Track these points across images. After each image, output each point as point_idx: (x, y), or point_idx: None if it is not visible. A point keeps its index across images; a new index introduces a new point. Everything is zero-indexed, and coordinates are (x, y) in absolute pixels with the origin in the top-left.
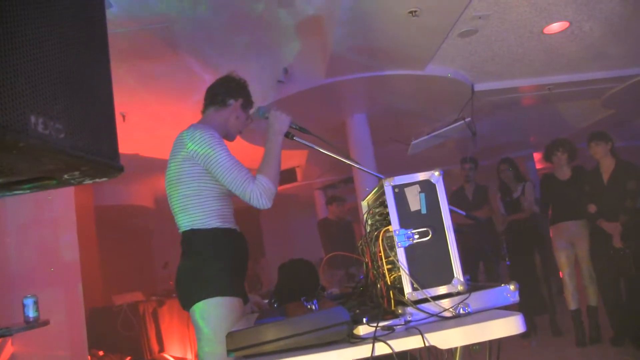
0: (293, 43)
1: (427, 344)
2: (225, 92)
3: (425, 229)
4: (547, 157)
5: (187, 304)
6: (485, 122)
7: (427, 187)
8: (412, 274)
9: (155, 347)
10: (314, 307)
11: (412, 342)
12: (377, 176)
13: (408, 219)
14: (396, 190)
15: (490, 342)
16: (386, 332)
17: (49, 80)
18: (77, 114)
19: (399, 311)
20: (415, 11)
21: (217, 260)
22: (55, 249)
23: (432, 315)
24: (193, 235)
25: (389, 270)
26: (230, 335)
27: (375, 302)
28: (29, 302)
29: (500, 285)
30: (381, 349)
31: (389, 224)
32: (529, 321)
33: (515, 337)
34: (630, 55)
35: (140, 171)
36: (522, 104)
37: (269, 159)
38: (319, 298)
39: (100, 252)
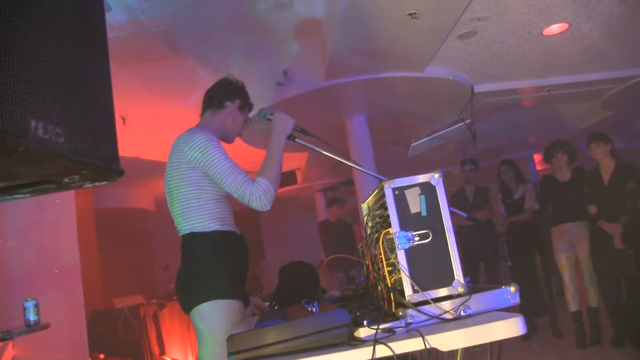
0: (292, 45)
1: (427, 346)
2: (222, 95)
3: (425, 231)
4: (546, 159)
5: (187, 306)
6: (485, 124)
7: (427, 189)
8: (412, 276)
9: (156, 350)
10: (314, 310)
11: (412, 345)
12: (377, 178)
13: (408, 221)
14: (396, 192)
15: (491, 343)
16: (387, 334)
17: (48, 84)
18: (76, 117)
19: (400, 313)
20: (414, 13)
21: (216, 262)
22: (56, 252)
23: (433, 317)
24: (193, 239)
25: (390, 272)
26: (230, 338)
27: (375, 305)
28: (30, 305)
29: (500, 287)
30: (382, 351)
31: (389, 226)
32: (529, 322)
33: (516, 338)
34: (629, 56)
35: (141, 174)
36: (522, 105)
37: (270, 161)
38: (320, 300)
39: (100, 255)
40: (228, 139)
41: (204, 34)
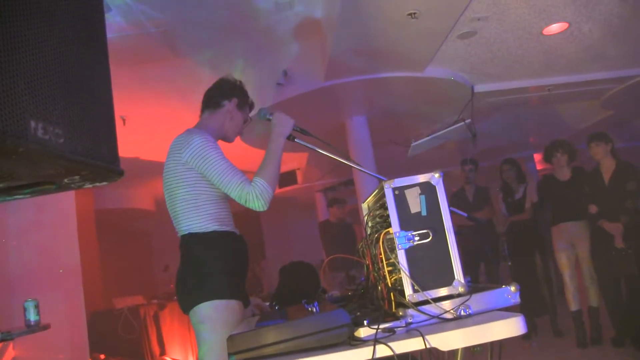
0: (292, 46)
1: (428, 346)
2: (219, 94)
3: (425, 230)
4: (546, 159)
5: (186, 307)
6: (485, 124)
7: (428, 189)
8: (412, 276)
9: (156, 350)
10: (314, 310)
11: (413, 344)
12: (377, 178)
13: (408, 221)
14: (396, 192)
15: (491, 343)
16: (387, 334)
17: (48, 85)
18: (76, 118)
19: (400, 313)
20: (414, 13)
21: (215, 263)
22: (56, 253)
23: (433, 317)
24: (191, 239)
25: (390, 272)
26: (231, 338)
27: (376, 304)
28: (30, 305)
29: (501, 287)
30: (382, 351)
31: (390, 226)
32: (529, 322)
33: (516, 338)
34: (629, 56)
35: (141, 174)
36: (522, 105)
37: (269, 161)
38: (320, 300)
39: (101, 255)
40: (227, 139)
41: (204, 35)
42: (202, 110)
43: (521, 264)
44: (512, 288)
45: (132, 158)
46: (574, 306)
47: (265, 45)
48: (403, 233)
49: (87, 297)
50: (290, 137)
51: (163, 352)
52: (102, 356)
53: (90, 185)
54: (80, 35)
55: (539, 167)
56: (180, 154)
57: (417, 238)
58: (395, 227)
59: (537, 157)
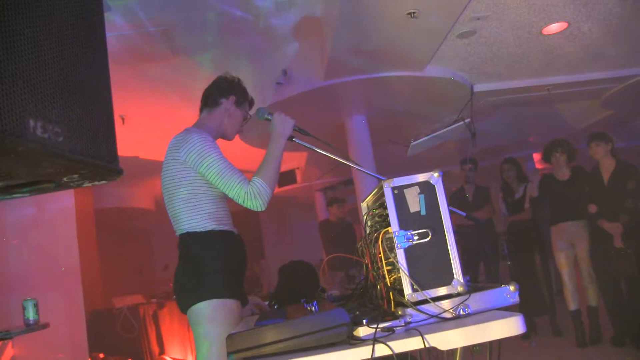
0: (292, 45)
1: (427, 345)
2: (217, 93)
3: (424, 230)
4: (545, 158)
5: (184, 306)
6: (485, 123)
7: (427, 188)
8: (412, 275)
9: (155, 349)
10: (314, 309)
11: (412, 344)
12: (377, 177)
13: (408, 220)
14: (396, 191)
15: (491, 343)
16: (386, 333)
17: (47, 83)
18: (75, 116)
19: (399, 312)
20: (413, 13)
21: (213, 262)
22: (55, 252)
23: (432, 316)
24: (189, 238)
25: (389, 271)
26: (230, 338)
27: (375, 304)
28: (29, 304)
29: (500, 286)
30: (381, 350)
31: (389, 225)
32: (529, 322)
33: (515, 338)
34: (629, 55)
35: (140, 173)
36: (522, 104)
37: (268, 161)
38: (319, 300)
39: (100, 254)
40: (227, 137)
41: (203, 34)
42: (201, 110)
43: (520, 263)
44: (512, 287)
45: (131, 157)
46: (573, 306)
47: (264, 45)
48: (402, 232)
49: (86, 296)
50: (289, 137)
51: (162, 352)
52: (101, 355)
53: (89, 184)
54: (79, 34)
55: (538, 166)
56: (179, 153)
57: (416, 237)
58: (394, 227)
59: (537, 156)
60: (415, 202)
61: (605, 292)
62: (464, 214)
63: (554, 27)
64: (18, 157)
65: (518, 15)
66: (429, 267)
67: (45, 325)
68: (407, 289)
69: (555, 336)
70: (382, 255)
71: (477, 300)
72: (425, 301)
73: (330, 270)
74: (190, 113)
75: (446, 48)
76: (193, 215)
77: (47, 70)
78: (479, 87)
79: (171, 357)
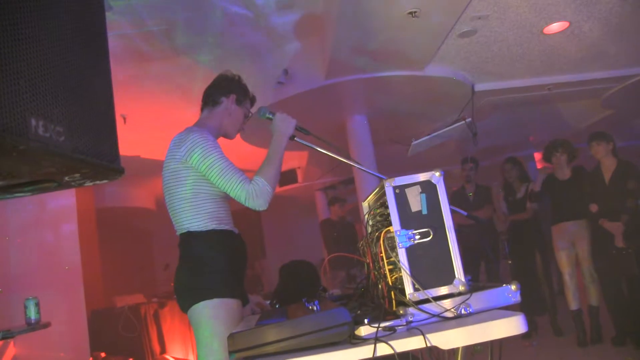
0: (293, 44)
1: (428, 345)
2: (217, 92)
3: (426, 229)
4: (546, 158)
5: (185, 306)
6: (486, 123)
7: (428, 188)
8: (413, 275)
9: (156, 348)
10: (315, 308)
11: (413, 343)
12: (378, 177)
13: (409, 220)
14: (397, 190)
15: (492, 342)
16: (388, 332)
17: (49, 83)
18: (77, 116)
19: (401, 312)
20: (414, 12)
21: (213, 261)
22: (57, 251)
23: (434, 315)
24: (190, 238)
25: (390, 270)
26: (231, 337)
27: (376, 303)
28: (31, 303)
29: (501, 286)
30: (383, 349)
31: (390, 224)
32: (529, 321)
33: (516, 337)
34: (629, 55)
35: (141, 173)
36: (522, 104)
37: (270, 161)
38: (320, 299)
39: (101, 254)
40: (228, 135)
41: (205, 34)
42: (202, 109)
43: (521, 263)
44: (513, 287)
45: (132, 157)
46: (574, 305)
47: (266, 44)
48: (404, 232)
49: (87, 295)
50: (291, 137)
51: (163, 351)
52: (103, 354)
53: (90, 183)
54: (81, 34)
55: (539, 166)
56: (180, 152)
57: (417, 237)
58: (395, 226)
59: (538, 156)
60: (416, 202)
61: (606, 292)
62: (465, 213)
63: (555, 27)
64: (20, 156)
65: (519, 15)
66: (430, 267)
67: (46, 325)
68: (409, 288)
69: (556, 336)
70: (383, 254)
71: (479, 300)
72: (426, 300)
73: (331, 269)
74: (191, 112)
75: (447, 47)
76: (194, 214)
77: (49, 70)
78: (479, 87)
79: (172, 357)
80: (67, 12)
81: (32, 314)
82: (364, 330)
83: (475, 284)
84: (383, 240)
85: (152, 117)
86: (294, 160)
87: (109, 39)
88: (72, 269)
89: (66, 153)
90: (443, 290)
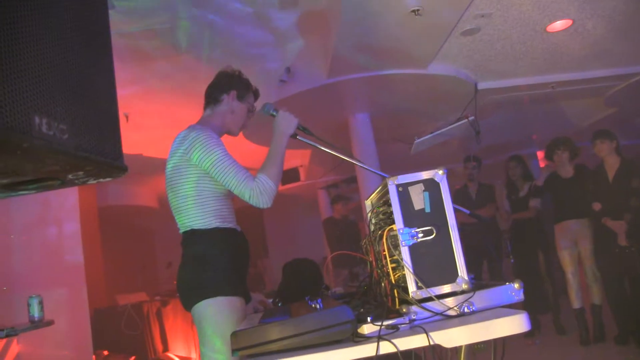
0: (295, 42)
1: (431, 343)
2: (217, 89)
3: (429, 227)
4: (548, 156)
5: (188, 304)
6: (489, 121)
7: (431, 186)
8: (416, 273)
9: (159, 346)
10: (318, 306)
11: (416, 341)
12: (381, 175)
13: (412, 218)
14: (400, 189)
15: (495, 340)
16: (390, 330)
17: (52, 81)
18: (80, 114)
19: (404, 310)
20: (417, 10)
21: (216, 260)
22: (60, 249)
23: (437, 313)
24: (193, 236)
25: (393, 269)
26: (234, 335)
27: (379, 301)
28: (34, 301)
29: (504, 284)
30: (386, 347)
31: (393, 222)
32: (532, 320)
33: (519, 335)
34: (633, 53)
35: (144, 171)
36: (526, 102)
37: (272, 159)
38: (323, 297)
39: (104, 252)
40: (231, 133)
41: (207, 32)
42: (205, 108)
43: (524, 261)
44: (516, 285)
45: (135, 155)
46: (576, 304)
47: (268, 42)
48: (407, 230)
49: (90, 293)
50: (292, 135)
51: (166, 349)
52: (106, 352)
53: (94, 181)
54: (84, 32)
55: (542, 164)
56: (183, 150)
57: (420, 235)
58: (398, 224)
59: (541, 154)
60: (419, 200)
61: (609, 291)
62: (467, 211)
63: (559, 25)
64: (23, 153)
65: (522, 13)
66: (433, 265)
67: (50, 322)
68: (412, 287)
69: (559, 334)
70: (386, 252)
71: (482, 298)
72: (429, 299)
73: (334, 267)
74: (194, 111)
75: (450, 45)
76: (197, 212)
77: (52, 68)
78: (483, 85)
79: (175, 354)
80: (70, 10)
81: (36, 311)
82: (367, 329)
83: (478, 282)
84: (386, 239)
85: (154, 116)
86: (297, 158)
87: (112, 37)
88: (75, 267)
89: (70, 151)
90: (446, 288)
